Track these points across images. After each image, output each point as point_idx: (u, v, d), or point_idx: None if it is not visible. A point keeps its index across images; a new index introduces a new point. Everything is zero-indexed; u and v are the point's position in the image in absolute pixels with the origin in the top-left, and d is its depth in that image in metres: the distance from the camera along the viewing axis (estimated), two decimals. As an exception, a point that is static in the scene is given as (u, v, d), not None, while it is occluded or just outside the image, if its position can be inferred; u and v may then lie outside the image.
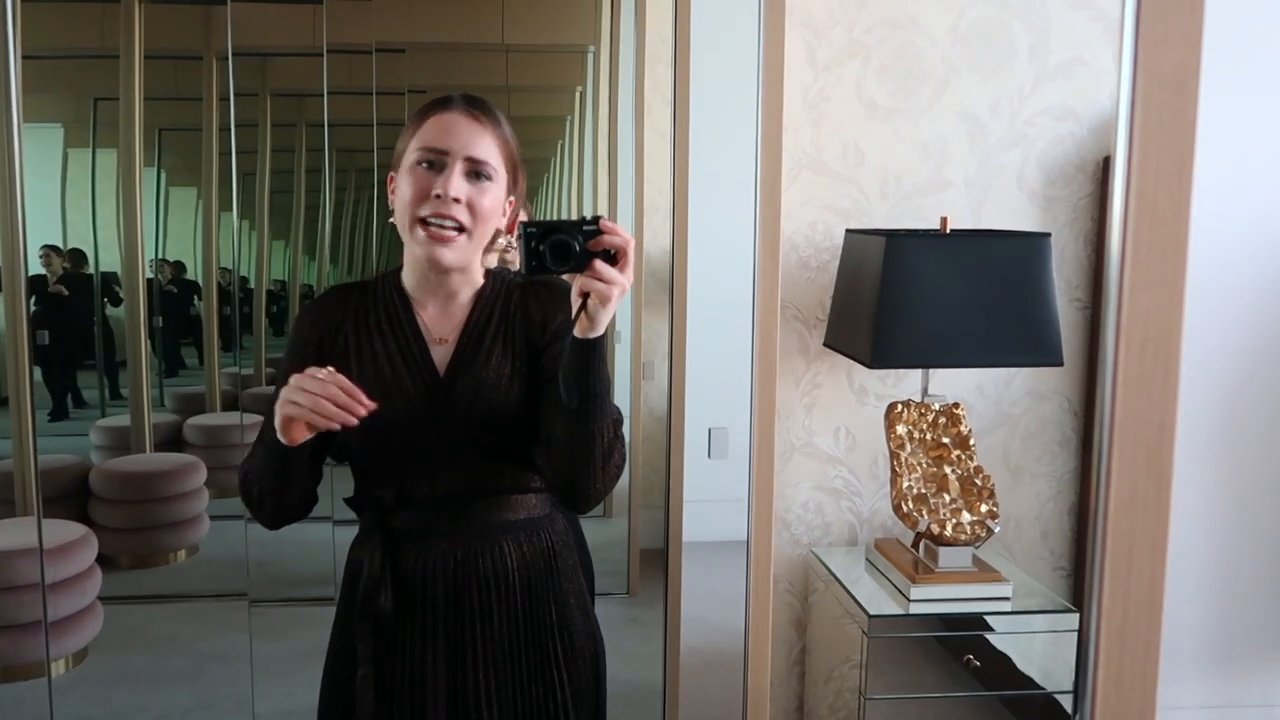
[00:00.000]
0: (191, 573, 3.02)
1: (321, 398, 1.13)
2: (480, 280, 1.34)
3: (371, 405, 1.14)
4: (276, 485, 1.27)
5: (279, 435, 1.19)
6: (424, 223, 1.24)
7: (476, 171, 1.26)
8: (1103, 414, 0.82)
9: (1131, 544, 0.81)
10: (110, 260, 2.92)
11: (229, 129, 2.68)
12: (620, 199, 2.82)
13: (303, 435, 1.18)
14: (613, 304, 1.13)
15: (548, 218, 2.20)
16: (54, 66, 2.93)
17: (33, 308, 2.83)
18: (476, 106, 1.29)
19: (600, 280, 1.11)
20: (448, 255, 1.25)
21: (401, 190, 1.26)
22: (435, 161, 1.25)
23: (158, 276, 2.97)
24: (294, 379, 1.15)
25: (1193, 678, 2.52)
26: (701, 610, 2.82)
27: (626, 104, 2.80)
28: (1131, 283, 0.77)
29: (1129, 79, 0.74)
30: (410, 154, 1.27)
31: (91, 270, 2.94)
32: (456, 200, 1.23)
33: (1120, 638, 0.81)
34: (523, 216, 1.33)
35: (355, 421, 1.14)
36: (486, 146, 1.27)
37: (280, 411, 1.17)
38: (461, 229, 1.24)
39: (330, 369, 1.16)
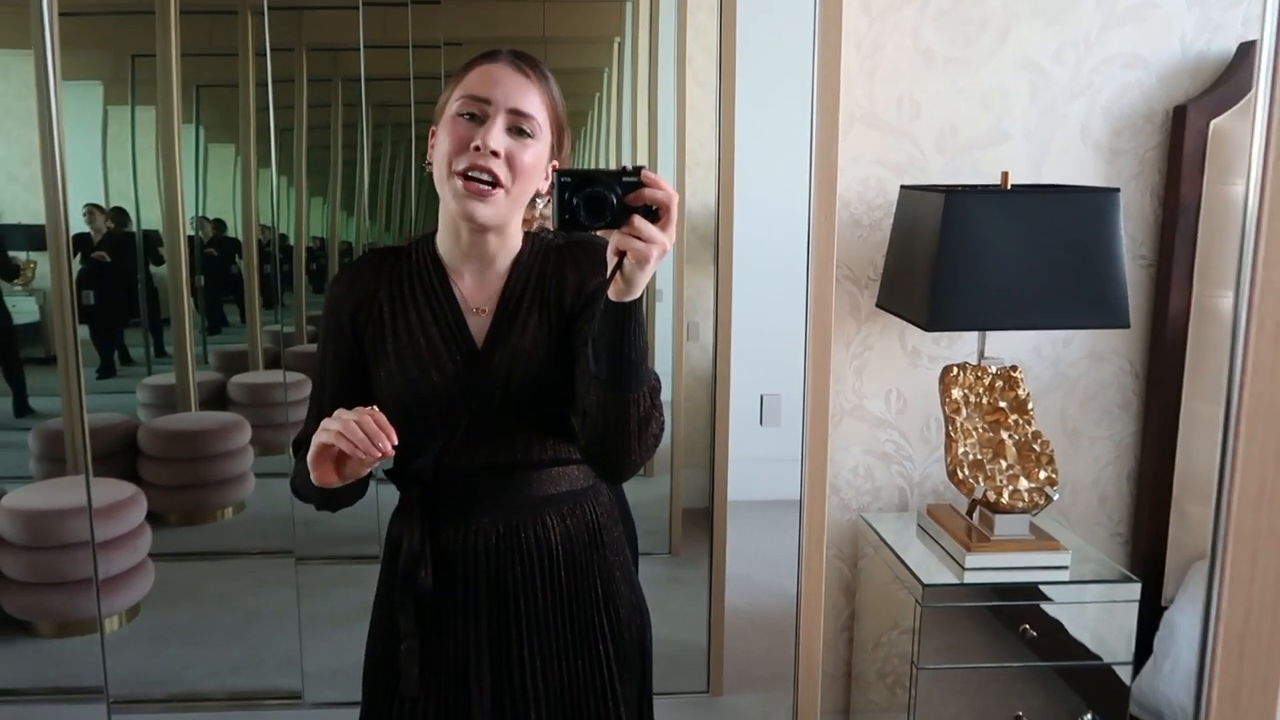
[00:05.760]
0: (239, 530, 3.06)
1: (354, 423, 1.08)
2: (518, 245, 1.29)
3: (390, 448, 1.09)
4: (323, 504, 1.26)
5: (310, 473, 1.15)
6: (462, 176, 1.18)
7: (519, 126, 1.20)
8: (1230, 402, 0.74)
9: (1257, 543, 0.74)
10: (152, 218, 2.92)
11: (266, 85, 2.63)
12: (660, 152, 2.74)
13: (330, 476, 1.14)
14: (651, 265, 1.04)
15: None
16: (92, 23, 2.91)
17: (78, 267, 2.84)
18: (524, 60, 1.22)
19: (639, 238, 1.03)
20: (483, 211, 1.18)
21: (440, 142, 1.21)
22: (477, 113, 1.19)
23: (199, 234, 2.96)
24: (337, 414, 1.11)
25: None
26: (746, 570, 2.80)
27: (667, 54, 2.71)
28: (1267, 256, 0.68)
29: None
30: (452, 105, 1.21)
31: (134, 229, 2.93)
32: (495, 154, 1.17)
33: (1239, 646, 0.75)
34: None
35: (378, 455, 1.09)
36: (531, 100, 1.20)
37: (316, 439, 1.13)
38: (498, 184, 1.18)
39: (373, 408, 1.11)
